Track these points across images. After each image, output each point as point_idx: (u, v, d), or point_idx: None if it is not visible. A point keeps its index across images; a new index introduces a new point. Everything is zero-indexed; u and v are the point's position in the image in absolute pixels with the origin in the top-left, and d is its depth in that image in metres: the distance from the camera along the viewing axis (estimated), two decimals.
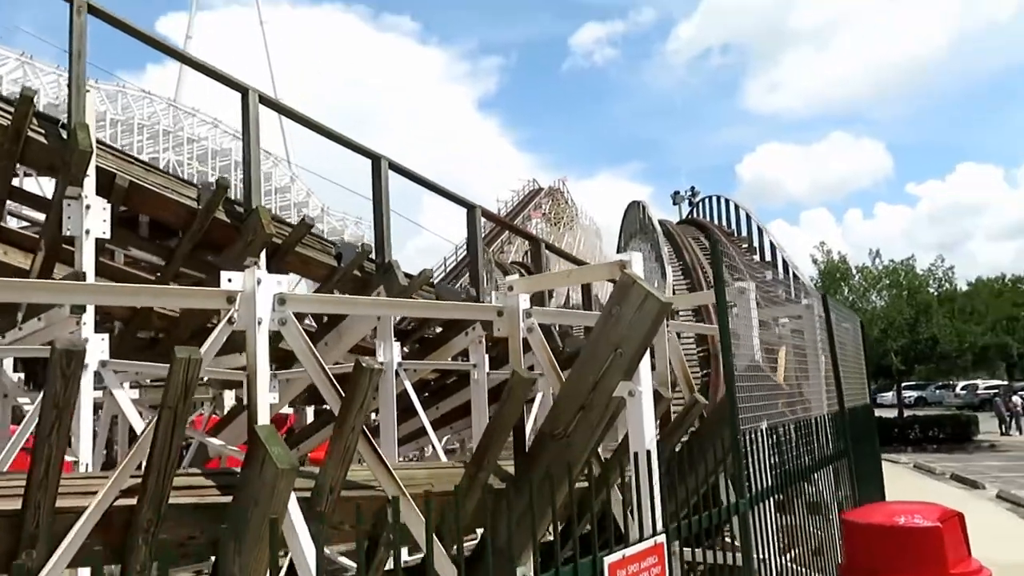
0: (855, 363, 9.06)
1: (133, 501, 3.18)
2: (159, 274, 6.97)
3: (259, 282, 3.64)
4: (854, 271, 31.92)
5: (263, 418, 3.48)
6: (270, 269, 6.56)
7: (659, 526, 3.39)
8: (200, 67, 6.37)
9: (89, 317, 5.16)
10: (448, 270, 45.10)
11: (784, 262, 24.46)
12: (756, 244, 30.63)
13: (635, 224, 36.11)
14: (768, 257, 27.65)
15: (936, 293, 30.83)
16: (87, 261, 5.44)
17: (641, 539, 3.27)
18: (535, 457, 4.36)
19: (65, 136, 5.55)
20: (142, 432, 3.34)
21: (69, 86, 5.65)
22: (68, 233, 5.53)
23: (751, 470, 4.28)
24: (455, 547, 3.14)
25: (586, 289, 11.60)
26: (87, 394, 4.80)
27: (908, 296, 30.02)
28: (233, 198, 6.45)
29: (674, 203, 53.82)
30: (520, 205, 67.19)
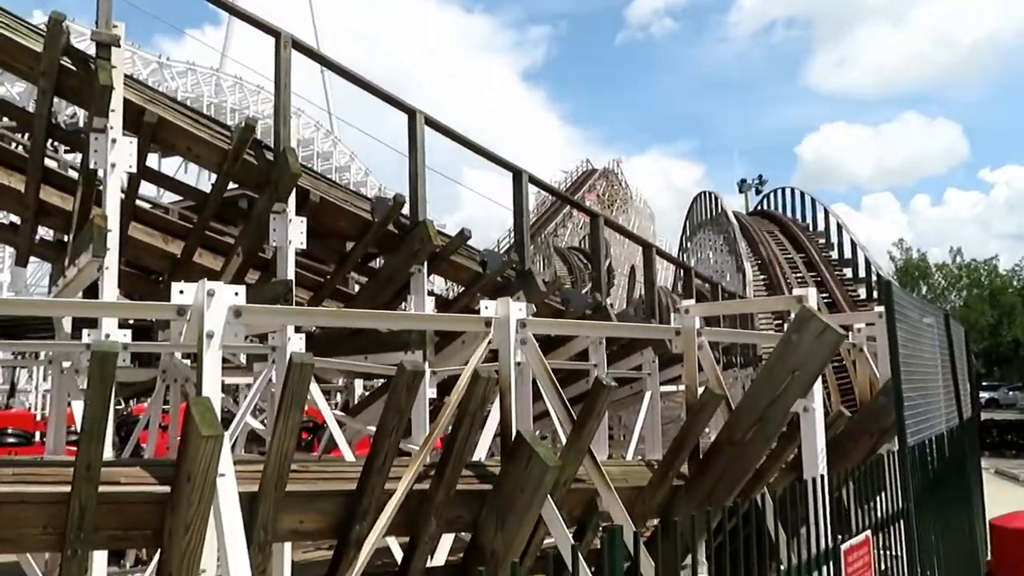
0: (963, 375, 9.86)
1: (425, 486, 4.23)
2: (328, 276, 8.08)
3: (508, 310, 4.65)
4: (933, 269, 32.22)
5: (516, 424, 4.51)
6: (428, 272, 7.69)
7: (854, 524, 4.35)
8: (257, 23, 6.93)
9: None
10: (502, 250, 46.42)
11: (867, 261, 24.97)
12: (834, 240, 31.05)
13: (704, 214, 36.68)
14: (847, 254, 28.12)
15: (1021, 295, 31.03)
16: (290, 269, 6.55)
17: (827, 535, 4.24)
18: (711, 461, 5.34)
19: (272, 158, 6.63)
20: (432, 433, 4.38)
21: (276, 113, 6.74)
22: (274, 244, 6.64)
23: (911, 479, 5.20)
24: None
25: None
26: (317, 393, 5.87)
27: (990, 297, 30.27)
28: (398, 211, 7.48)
29: (740, 191, 54.17)
30: (573, 187, 67.77)
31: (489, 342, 4.61)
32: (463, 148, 8.48)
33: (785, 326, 5.23)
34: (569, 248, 52.86)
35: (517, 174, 8.89)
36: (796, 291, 5.28)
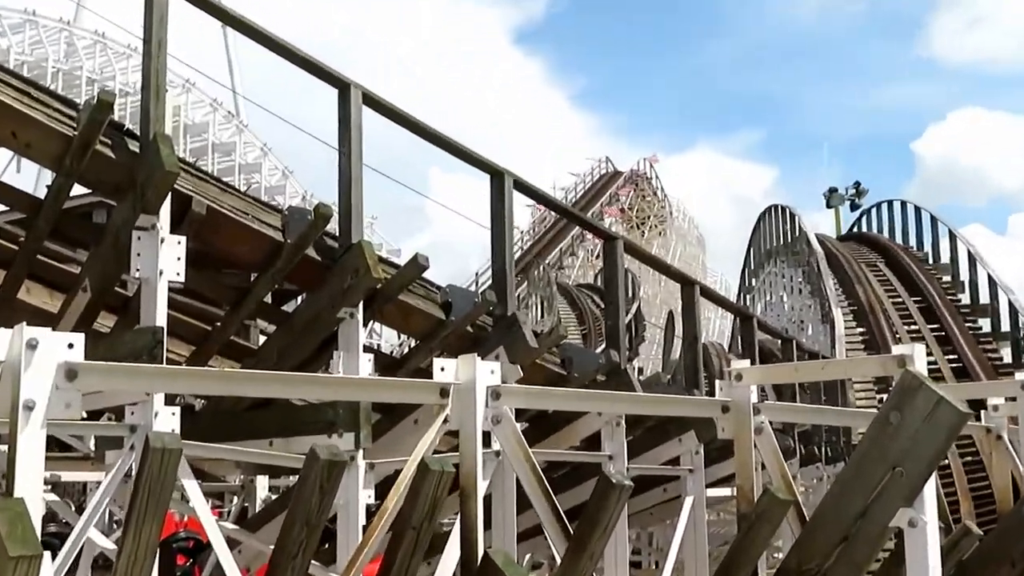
0: None
1: None
2: (219, 323, 8.08)
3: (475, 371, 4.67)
4: None
5: (483, 541, 4.50)
6: (365, 320, 7.73)
7: None
8: None
9: None
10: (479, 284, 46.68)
11: (1012, 308, 25.20)
12: (965, 278, 31.34)
13: (775, 238, 37.03)
14: (984, 297, 28.34)
15: None
16: (161, 311, 6.54)
17: None
18: None
19: (138, 149, 6.65)
20: (357, 557, 4.36)
21: (145, 81, 6.77)
22: (138, 275, 6.64)
23: None
24: None
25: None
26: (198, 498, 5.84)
27: None
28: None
29: (828, 204, 54.70)
30: (586, 197, 68.52)
31: (446, 420, 4.60)
32: (427, 143, 8.58)
33: None
34: (579, 287, 53.28)
35: (497, 177, 8.96)
36: (898, 349, 5.31)
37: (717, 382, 6.03)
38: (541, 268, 51.23)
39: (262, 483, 11.02)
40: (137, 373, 5.09)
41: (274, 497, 10.76)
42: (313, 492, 3.79)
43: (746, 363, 5.89)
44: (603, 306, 46.67)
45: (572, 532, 4.69)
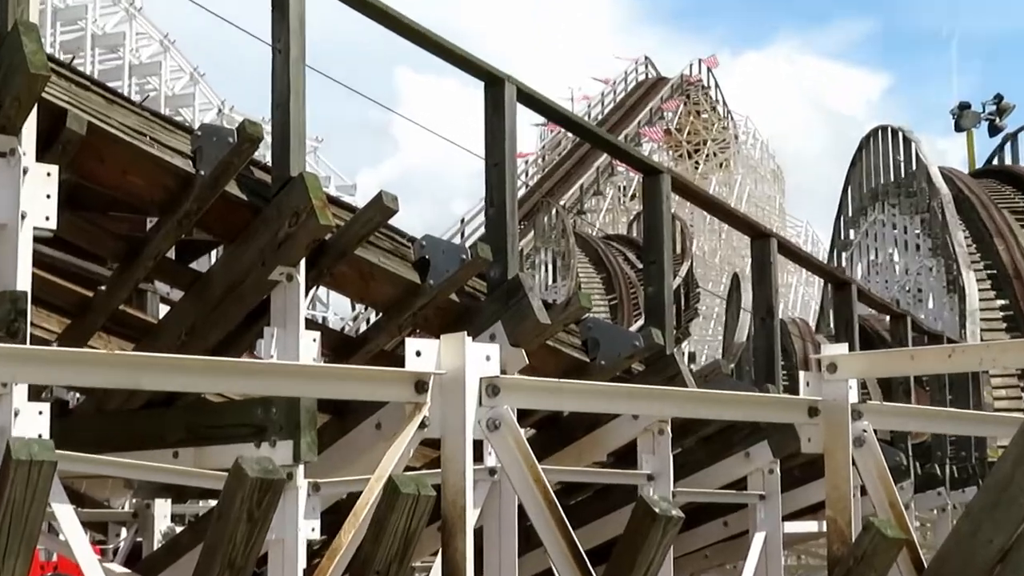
0: None
1: None
2: (103, 287, 8.12)
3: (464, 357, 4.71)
4: None
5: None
6: (308, 284, 7.78)
7: None
8: None
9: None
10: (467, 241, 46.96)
11: None
12: None
13: (883, 174, 37.06)
14: None
15: None
16: (23, 270, 6.57)
17: None
18: None
19: None
20: None
21: None
22: None
23: None
24: None
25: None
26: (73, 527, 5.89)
27: None
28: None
29: (958, 127, 54.55)
30: (619, 113, 68.53)
31: (424, 424, 4.65)
32: (398, 37, 8.66)
33: None
34: (607, 239, 53.25)
35: (494, 85, 9.05)
36: None
37: (802, 374, 6.05)
38: (554, 212, 51.30)
39: (161, 510, 11.06)
40: None
41: (179, 529, 10.83)
42: (238, 523, 3.83)
43: (843, 348, 5.93)
44: (640, 266, 47.04)
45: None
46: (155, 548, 10.55)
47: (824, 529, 11.25)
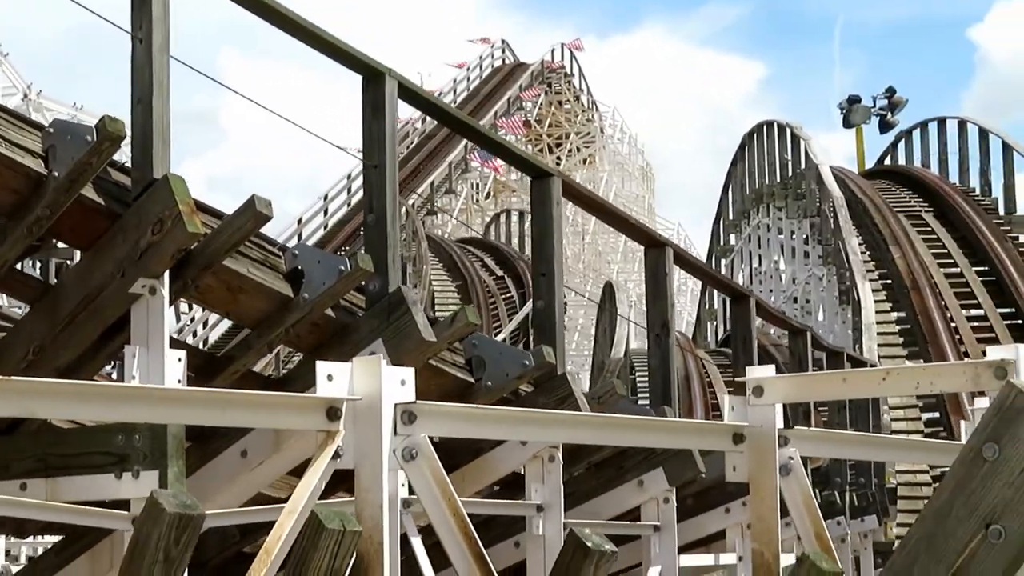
0: None
1: None
2: None
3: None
4: None
5: None
6: (171, 297, 7.85)
7: None
8: None
9: None
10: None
11: None
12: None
13: (769, 171, 37.63)
14: None
15: None
16: None
17: None
18: None
19: None
20: None
21: None
22: None
23: None
24: None
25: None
26: None
27: None
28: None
29: (847, 122, 55.58)
30: (473, 102, 68.60)
31: (338, 454, 4.81)
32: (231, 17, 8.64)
33: (962, 428, 5.57)
34: (461, 243, 53.03)
35: (373, 80, 9.20)
36: (995, 351, 5.65)
37: (726, 398, 6.27)
38: (403, 212, 51.11)
39: None
40: None
41: (14, 569, 10.79)
42: (153, 564, 3.96)
43: (768, 370, 6.15)
44: (499, 273, 47.17)
45: None
46: None
47: (722, 562, 11.70)
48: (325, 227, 53.93)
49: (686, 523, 10.96)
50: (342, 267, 8.48)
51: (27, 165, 7.48)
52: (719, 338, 44.25)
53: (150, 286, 7.63)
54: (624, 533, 10.68)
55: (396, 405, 4.97)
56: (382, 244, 8.97)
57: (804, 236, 34.24)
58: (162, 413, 6.15)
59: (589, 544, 4.73)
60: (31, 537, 19.56)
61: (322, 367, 4.97)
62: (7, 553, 11.57)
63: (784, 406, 6.22)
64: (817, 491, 15.68)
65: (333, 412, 4.89)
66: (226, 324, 40.95)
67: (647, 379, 16.39)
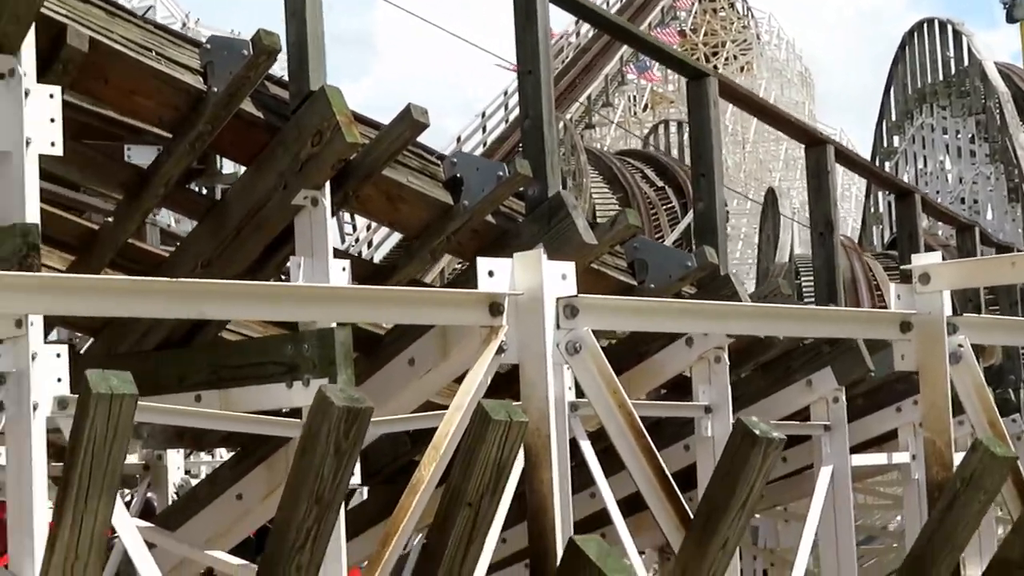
0: None
1: None
2: (110, 219, 8.25)
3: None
4: None
5: (562, 525, 4.75)
6: (333, 208, 7.89)
7: None
8: None
9: (38, 318, 6.42)
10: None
11: None
12: None
13: (930, 72, 36.87)
14: None
15: None
16: (31, 199, 6.68)
17: None
18: None
19: None
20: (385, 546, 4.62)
21: None
22: None
23: None
24: None
25: None
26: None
27: None
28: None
29: (1010, 18, 54.16)
30: (624, 14, 67.90)
31: (502, 350, 4.81)
32: None
33: None
34: (621, 155, 52.57)
35: None
36: None
37: (892, 286, 6.16)
38: (561, 127, 50.89)
39: (174, 462, 11.20)
40: (9, 285, 5.23)
41: (193, 482, 10.96)
42: (325, 456, 4.00)
43: (935, 257, 6.05)
44: (659, 184, 46.88)
45: (690, 515, 4.93)
46: (169, 502, 10.69)
47: (895, 461, 11.52)
48: (484, 144, 53.92)
49: (856, 423, 10.80)
50: (501, 173, 8.46)
51: (186, 81, 7.56)
52: (885, 242, 43.70)
53: (312, 197, 7.66)
54: (794, 433, 10.57)
55: (558, 299, 4.96)
56: (540, 149, 8.92)
57: (970, 135, 33.53)
58: (329, 311, 6.23)
59: (757, 432, 4.69)
60: (207, 455, 20.05)
61: (483, 263, 4.97)
62: (187, 471, 11.74)
63: (953, 303, 6.10)
64: (991, 389, 15.40)
65: (496, 307, 4.90)
66: (389, 245, 41.36)
67: (812, 283, 16.22)
